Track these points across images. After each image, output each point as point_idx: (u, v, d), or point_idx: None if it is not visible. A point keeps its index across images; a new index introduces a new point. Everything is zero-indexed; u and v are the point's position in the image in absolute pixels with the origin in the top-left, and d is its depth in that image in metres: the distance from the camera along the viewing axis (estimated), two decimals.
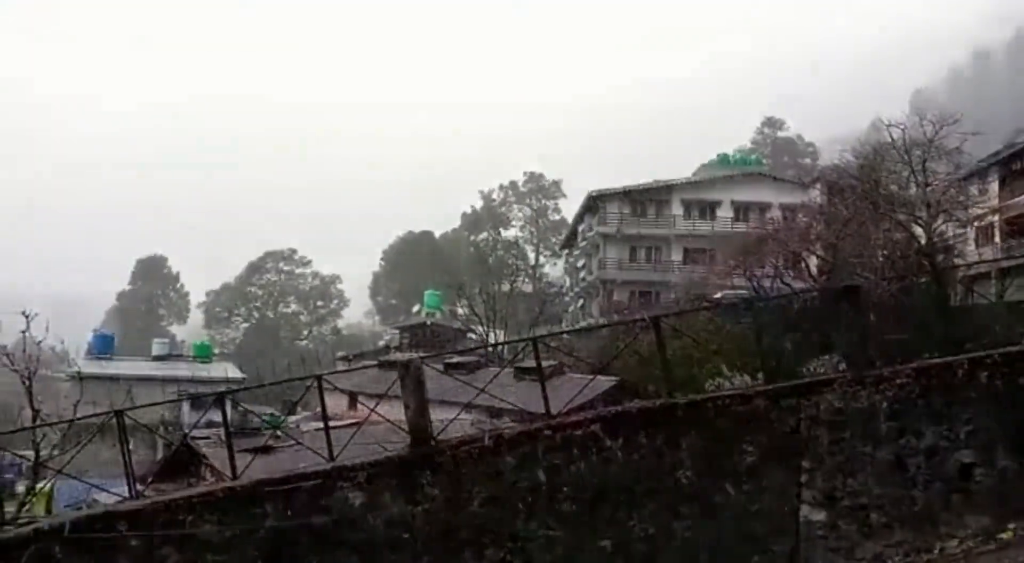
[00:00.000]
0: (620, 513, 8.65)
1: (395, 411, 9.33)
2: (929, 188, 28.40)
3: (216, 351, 55.94)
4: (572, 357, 21.21)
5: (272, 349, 64.36)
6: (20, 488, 16.58)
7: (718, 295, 32.09)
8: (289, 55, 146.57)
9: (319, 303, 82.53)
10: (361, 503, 8.35)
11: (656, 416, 8.86)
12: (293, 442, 14.15)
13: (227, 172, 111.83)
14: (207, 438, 17.75)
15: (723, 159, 56.65)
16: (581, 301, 54.01)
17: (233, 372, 40.91)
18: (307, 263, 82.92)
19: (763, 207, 45.37)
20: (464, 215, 78.94)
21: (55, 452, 12.01)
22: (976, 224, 33.06)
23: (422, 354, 12.41)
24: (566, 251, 63.27)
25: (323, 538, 8.18)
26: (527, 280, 68.77)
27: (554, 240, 70.94)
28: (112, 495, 9.83)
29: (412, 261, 75.60)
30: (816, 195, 40.45)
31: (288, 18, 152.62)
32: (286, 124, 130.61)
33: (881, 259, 28.39)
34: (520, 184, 75.47)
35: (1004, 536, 8.77)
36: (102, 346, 46.13)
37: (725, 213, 47.08)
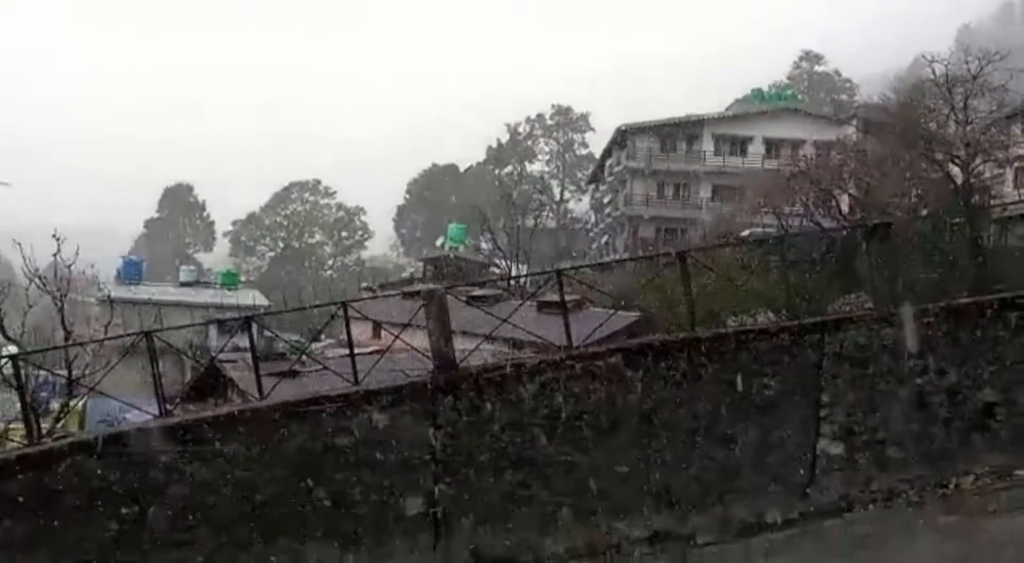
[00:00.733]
0: (638, 441, 8.76)
1: (418, 340, 9.44)
2: (969, 127, 27.50)
3: (242, 279, 56.74)
4: (596, 291, 21.15)
5: (297, 278, 65.13)
6: (54, 406, 17.19)
7: (745, 233, 31.75)
8: None
9: (343, 234, 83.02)
10: (384, 425, 8.51)
11: (678, 348, 8.86)
12: (318, 367, 14.47)
13: (251, 106, 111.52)
14: (233, 362, 18.16)
15: (757, 94, 55.16)
16: (606, 237, 53.75)
17: (259, 299, 41.49)
18: (332, 194, 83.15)
19: (796, 144, 44.30)
20: (489, 148, 78.07)
21: (87, 371, 12.35)
22: (1016, 165, 32.05)
23: (445, 285, 12.46)
24: (592, 186, 62.67)
25: (347, 458, 8.39)
26: (551, 215, 68.45)
27: (580, 175, 70.24)
28: (143, 413, 10.13)
29: (436, 194, 75.48)
30: (851, 132, 39.41)
31: None
32: (309, 54, 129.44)
33: (915, 199, 27.81)
34: (547, 117, 74.24)
35: (1020, 473, 8.81)
36: (131, 272, 46.98)
37: (756, 149, 46.11)
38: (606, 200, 55.34)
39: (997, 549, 7.26)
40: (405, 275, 55.53)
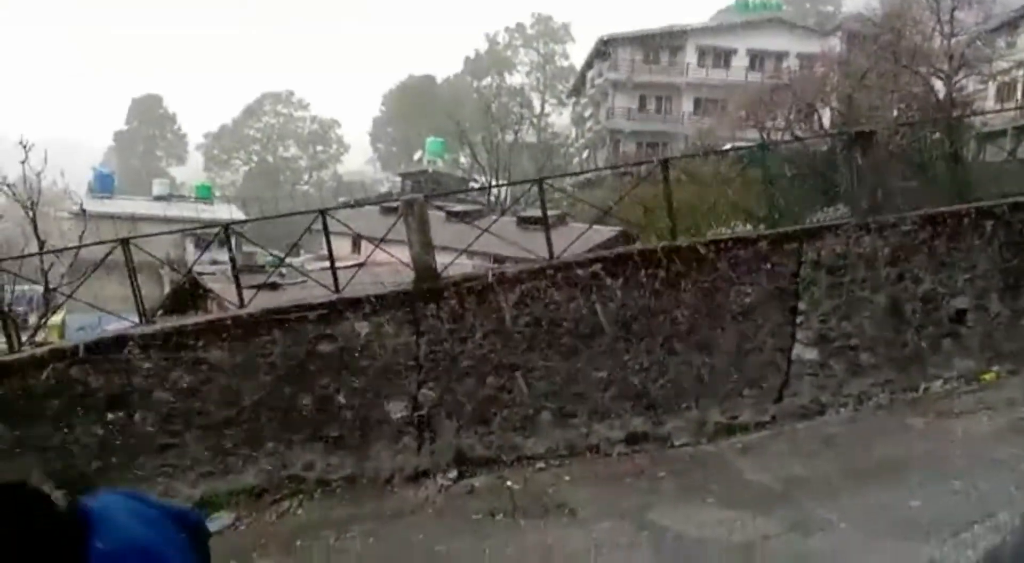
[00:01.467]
0: (617, 347, 8.91)
1: (398, 255, 9.36)
2: (954, 39, 27.15)
3: (217, 194, 55.73)
4: (578, 200, 21.01)
5: (273, 193, 64.09)
6: (32, 321, 17.02)
7: (727, 147, 31.55)
8: None
9: (319, 147, 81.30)
10: (366, 332, 8.57)
11: (658, 257, 8.90)
12: (297, 280, 14.42)
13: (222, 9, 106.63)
14: (212, 274, 18.05)
15: (742, 5, 53.70)
16: (587, 152, 53.15)
17: (236, 214, 40.90)
18: (305, 106, 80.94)
19: (780, 56, 43.68)
20: (467, 59, 75.92)
21: (64, 280, 12.17)
22: (999, 80, 31.87)
23: (425, 194, 12.30)
24: (573, 99, 61.49)
25: (331, 364, 8.47)
26: (532, 129, 67.35)
27: (561, 88, 68.71)
28: (124, 321, 10.08)
29: (413, 107, 73.60)
30: (835, 44, 38.78)
31: None
32: None
33: (896, 113, 27.66)
34: (528, 27, 71.99)
35: (986, 377, 9.11)
36: (102, 184, 45.87)
37: (740, 62, 45.33)
38: (587, 114, 54.44)
39: (959, 446, 7.57)
40: (383, 190, 54.83)
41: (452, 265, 9.29)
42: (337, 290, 9.05)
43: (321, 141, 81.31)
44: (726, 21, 50.13)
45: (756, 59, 45.05)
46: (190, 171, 79.04)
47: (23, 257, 11.18)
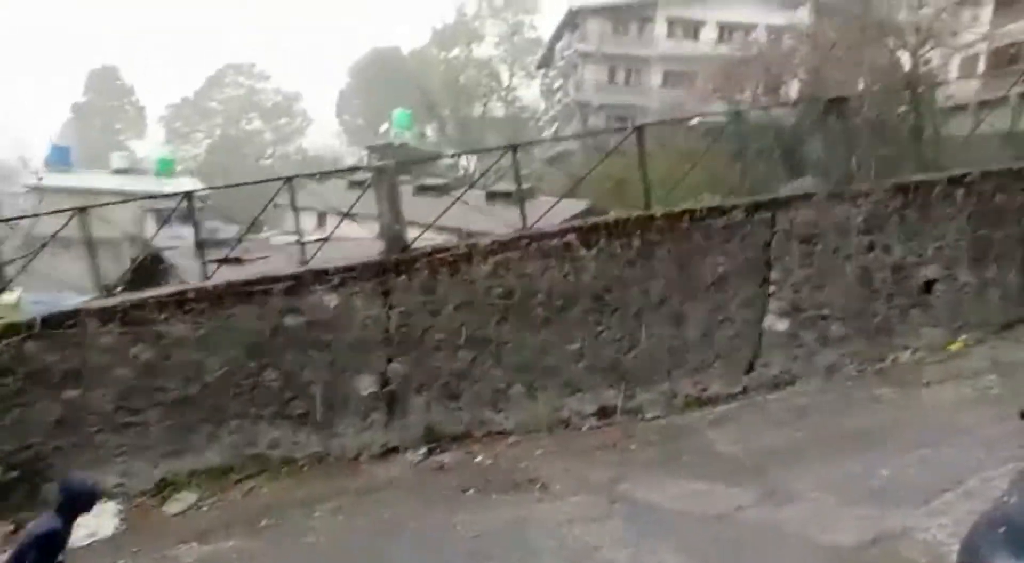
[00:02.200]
0: (589, 320, 8.82)
1: (365, 230, 9.15)
2: (922, 11, 27.33)
3: (179, 168, 54.43)
4: (552, 169, 20.81)
5: (236, 167, 62.79)
6: None
7: (694, 121, 31.52)
8: None
9: (283, 120, 79.71)
10: (335, 305, 8.36)
11: (632, 226, 8.80)
12: (263, 255, 14.05)
13: None
14: (174, 248, 17.56)
15: None
16: (556, 125, 52.80)
17: (199, 187, 39.97)
18: (267, 78, 79.10)
19: (748, 28, 43.54)
20: (434, 30, 74.56)
21: (20, 255, 11.72)
22: (964, 53, 32.14)
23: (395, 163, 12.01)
24: (542, 71, 60.86)
25: (297, 338, 8.25)
26: (500, 103, 66.68)
27: (530, 60, 67.91)
28: (82, 297, 9.74)
29: (379, 80, 72.15)
30: (804, 16, 38.82)
31: None
32: None
33: (863, 85, 27.82)
34: None
35: (953, 347, 9.19)
36: (59, 158, 44.42)
37: (709, 34, 45.18)
38: (556, 86, 53.97)
39: (925, 415, 7.63)
40: (349, 163, 54.00)
41: (421, 239, 9.08)
42: (305, 262, 8.81)
43: (285, 114, 79.71)
44: None
45: (725, 31, 44.91)
46: (152, 145, 77.03)
47: None
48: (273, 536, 6.93)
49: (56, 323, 7.80)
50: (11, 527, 7.08)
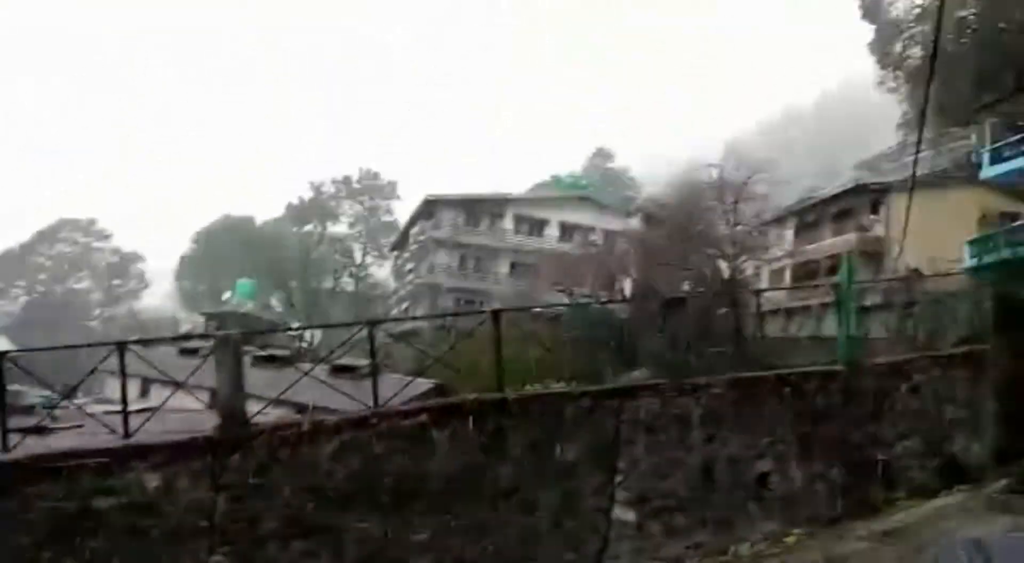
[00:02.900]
0: (439, 506, 8.40)
1: (194, 402, 8.52)
2: (737, 228, 31.04)
3: None
4: (400, 346, 20.64)
5: (57, 328, 57.90)
6: None
7: (537, 310, 33.05)
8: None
9: (116, 281, 75.53)
10: (156, 486, 7.49)
11: (486, 408, 8.72)
12: (76, 423, 12.57)
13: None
14: None
15: (556, 181, 58.79)
16: (406, 305, 53.45)
17: (7, 346, 36.14)
18: (107, 236, 75.70)
19: (587, 230, 47.57)
20: (290, 205, 75.35)
21: None
22: (772, 266, 36.44)
23: (240, 333, 11.46)
24: (395, 253, 62.39)
25: (109, 523, 7.23)
26: (351, 279, 67.04)
27: (384, 241, 69.65)
28: None
29: (228, 248, 70.94)
30: (635, 223, 43.00)
31: None
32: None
33: (688, 288, 30.57)
34: (354, 180, 73.37)
35: (788, 540, 9.49)
36: None
37: (552, 232, 48.83)
38: (408, 268, 55.32)
39: None
40: (184, 329, 51.26)
41: (259, 414, 8.52)
42: (127, 435, 7.95)
43: (120, 275, 75.76)
44: (541, 194, 54.39)
45: (567, 231, 48.78)
46: None
47: None
48: None
49: None
50: None
